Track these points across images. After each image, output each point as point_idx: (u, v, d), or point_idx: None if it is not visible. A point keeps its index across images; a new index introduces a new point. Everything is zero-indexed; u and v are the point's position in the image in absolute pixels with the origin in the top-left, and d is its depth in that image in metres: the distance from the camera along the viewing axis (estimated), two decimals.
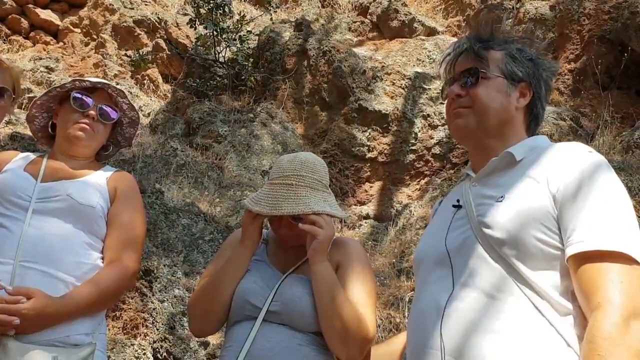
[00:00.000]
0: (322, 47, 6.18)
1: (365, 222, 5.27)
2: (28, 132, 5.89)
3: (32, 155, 2.05)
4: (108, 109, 2.03)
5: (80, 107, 1.99)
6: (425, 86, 5.75)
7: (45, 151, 2.14)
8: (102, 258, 1.89)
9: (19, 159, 2.02)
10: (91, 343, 1.72)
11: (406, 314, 3.55)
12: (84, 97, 2.00)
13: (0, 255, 1.73)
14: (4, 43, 8.53)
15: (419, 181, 5.52)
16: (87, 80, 2.04)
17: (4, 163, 1.99)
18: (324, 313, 1.70)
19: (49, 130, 2.11)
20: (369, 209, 5.47)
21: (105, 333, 1.89)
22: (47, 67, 7.99)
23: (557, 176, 1.36)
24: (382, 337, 3.27)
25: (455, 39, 6.53)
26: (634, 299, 1.20)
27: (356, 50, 6.33)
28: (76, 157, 2.03)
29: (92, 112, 1.99)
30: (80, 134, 1.98)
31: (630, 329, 1.17)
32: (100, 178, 2.00)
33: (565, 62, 5.59)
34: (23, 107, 6.89)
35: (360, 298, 1.74)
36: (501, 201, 1.39)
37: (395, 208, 5.31)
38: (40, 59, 8.24)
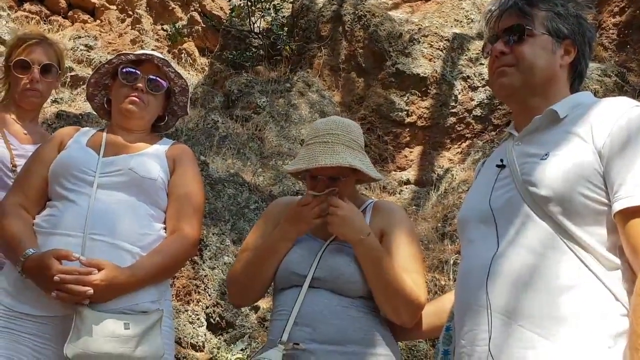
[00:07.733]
0: (357, 12, 6.10)
1: (406, 188, 5.26)
2: (73, 110, 6.06)
3: (92, 130, 2.12)
4: (156, 80, 2.07)
5: (128, 80, 2.03)
6: (464, 47, 5.64)
7: (103, 126, 2.21)
8: (165, 228, 1.96)
9: (80, 134, 2.09)
10: (158, 310, 1.80)
11: (451, 277, 3.58)
12: (131, 70, 2.04)
13: (71, 229, 1.81)
14: (45, 24, 8.69)
15: (460, 144, 5.46)
16: (132, 54, 2.09)
17: (67, 138, 2.06)
18: (375, 287, 1.74)
19: (105, 106, 2.18)
20: (410, 174, 5.46)
21: (170, 300, 1.97)
22: (86, 46, 8.11)
23: (602, 131, 1.35)
24: (427, 299, 3.31)
25: None
26: None
27: (392, 13, 6.23)
28: (132, 130, 2.08)
29: (140, 85, 2.03)
30: (132, 107, 2.02)
31: None
32: (159, 150, 2.06)
33: (609, 15, 5.38)
34: (67, 85, 7.08)
35: (408, 264, 1.77)
36: (545, 159, 1.39)
37: (436, 172, 5.28)
38: (80, 37, 8.36)
